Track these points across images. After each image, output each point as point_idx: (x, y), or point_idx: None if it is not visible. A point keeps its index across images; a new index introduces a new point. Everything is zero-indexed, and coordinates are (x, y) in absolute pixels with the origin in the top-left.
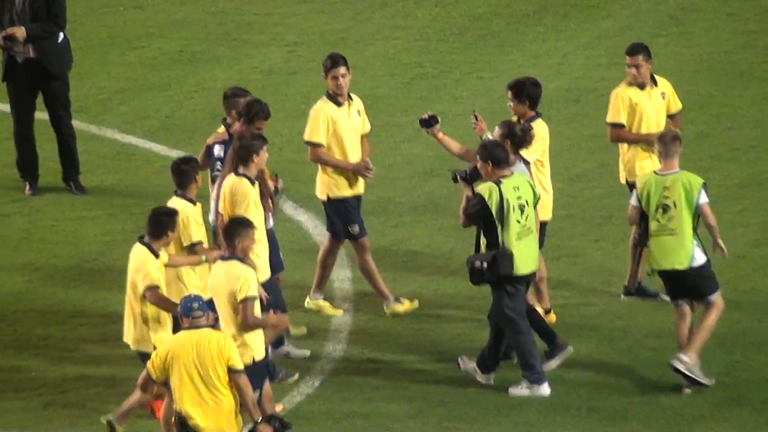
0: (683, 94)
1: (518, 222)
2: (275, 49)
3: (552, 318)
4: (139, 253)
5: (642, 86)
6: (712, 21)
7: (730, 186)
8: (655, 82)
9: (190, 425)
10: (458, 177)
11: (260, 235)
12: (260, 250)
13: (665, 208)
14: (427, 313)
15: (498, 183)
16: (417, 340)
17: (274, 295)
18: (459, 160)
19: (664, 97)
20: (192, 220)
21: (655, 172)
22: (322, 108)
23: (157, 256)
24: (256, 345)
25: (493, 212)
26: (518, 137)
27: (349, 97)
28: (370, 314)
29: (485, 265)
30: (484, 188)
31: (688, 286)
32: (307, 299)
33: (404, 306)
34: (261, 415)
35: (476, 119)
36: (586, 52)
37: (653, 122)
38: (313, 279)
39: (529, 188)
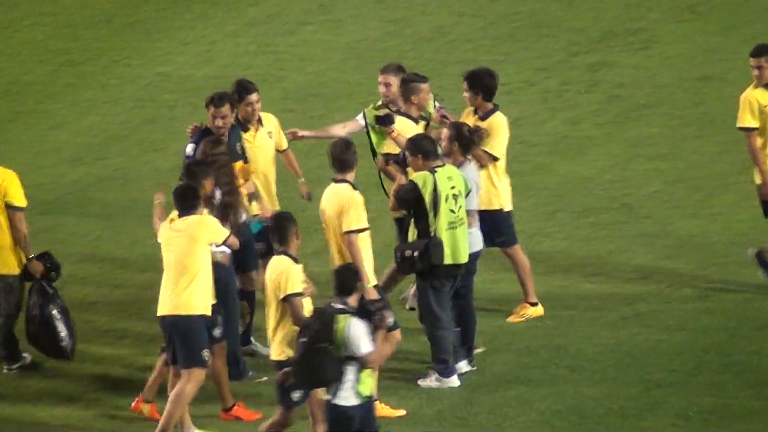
0: (331, 82)
1: (451, 212)
2: None
3: (540, 311)
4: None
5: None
6: (359, 8)
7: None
8: (260, 122)
9: None
10: (391, 162)
11: (364, 237)
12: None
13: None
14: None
15: (433, 172)
16: None
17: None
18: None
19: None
20: (294, 273)
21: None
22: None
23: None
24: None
25: (426, 201)
26: (466, 138)
27: (259, 121)
28: None
29: (416, 254)
30: (419, 176)
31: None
32: None
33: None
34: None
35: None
36: (233, 40)
37: None
38: None
39: (461, 179)
